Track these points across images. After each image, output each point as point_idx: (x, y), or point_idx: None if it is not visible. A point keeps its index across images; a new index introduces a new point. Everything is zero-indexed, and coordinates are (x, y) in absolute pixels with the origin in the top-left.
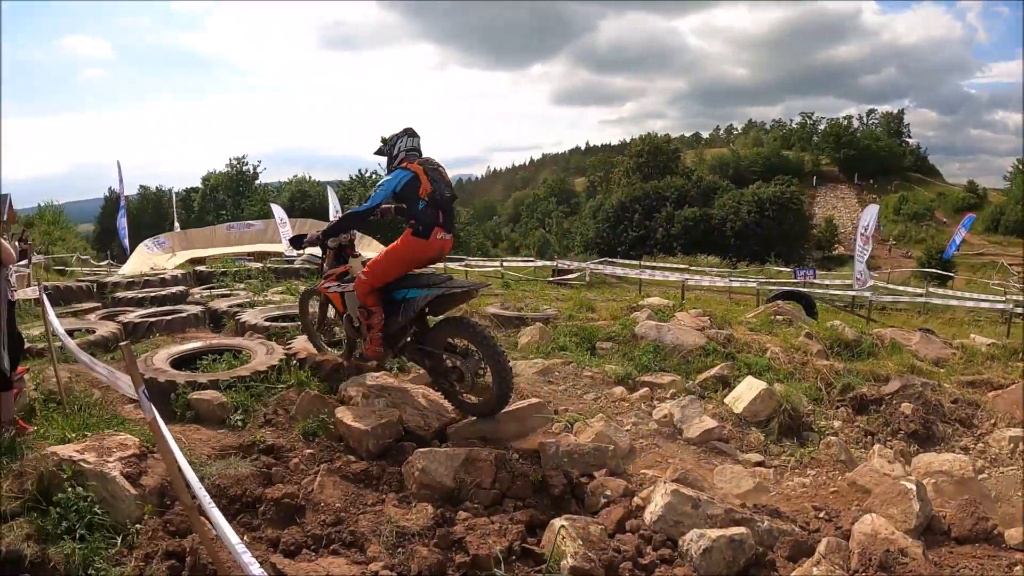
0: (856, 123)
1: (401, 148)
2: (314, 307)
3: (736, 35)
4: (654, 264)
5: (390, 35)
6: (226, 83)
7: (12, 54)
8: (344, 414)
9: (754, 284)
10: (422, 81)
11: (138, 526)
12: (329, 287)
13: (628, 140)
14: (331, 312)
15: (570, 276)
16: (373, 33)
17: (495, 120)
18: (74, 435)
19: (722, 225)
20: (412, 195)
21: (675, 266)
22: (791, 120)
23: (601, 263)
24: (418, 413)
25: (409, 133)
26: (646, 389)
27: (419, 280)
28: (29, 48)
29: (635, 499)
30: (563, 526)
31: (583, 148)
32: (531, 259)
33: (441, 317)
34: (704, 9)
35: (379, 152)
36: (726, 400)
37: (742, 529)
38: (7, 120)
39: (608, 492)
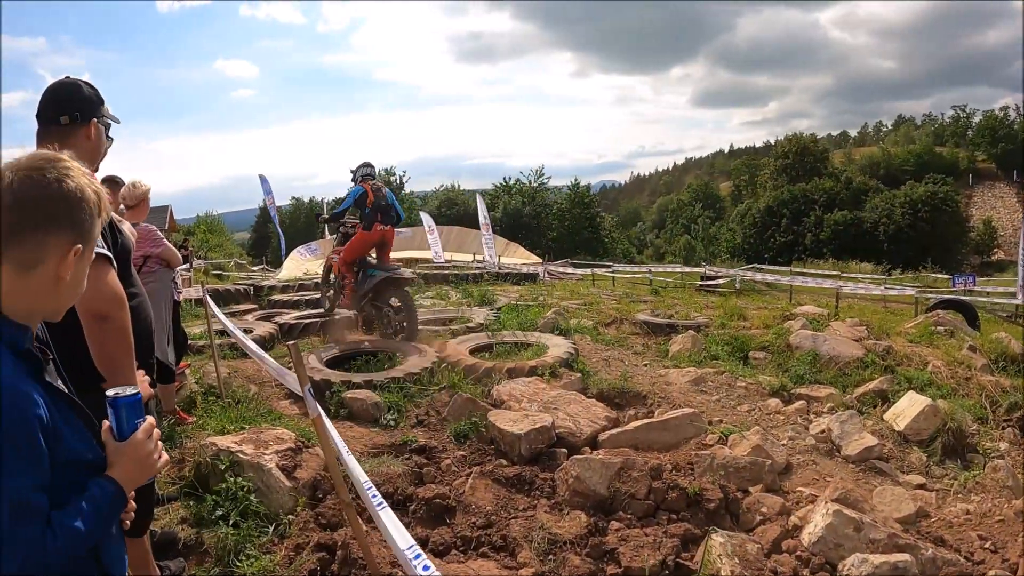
0: (1013, 114)
1: (359, 175)
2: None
3: (881, 25)
4: (804, 271)
5: (527, 45)
6: (370, 98)
7: (172, 76)
8: (497, 417)
9: (912, 292)
10: (562, 88)
11: (290, 517)
12: (332, 258)
13: (773, 141)
14: (331, 277)
15: (719, 283)
16: (510, 44)
17: (637, 125)
18: (232, 427)
19: (874, 229)
20: (362, 203)
21: (827, 273)
22: (942, 114)
23: (750, 270)
24: (570, 419)
25: (366, 165)
26: (802, 402)
27: (382, 266)
28: (186, 70)
29: (792, 518)
30: (720, 542)
31: (727, 151)
32: (678, 266)
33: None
34: None
35: (352, 179)
36: (886, 416)
37: (906, 556)
38: (169, 138)
39: (764, 509)
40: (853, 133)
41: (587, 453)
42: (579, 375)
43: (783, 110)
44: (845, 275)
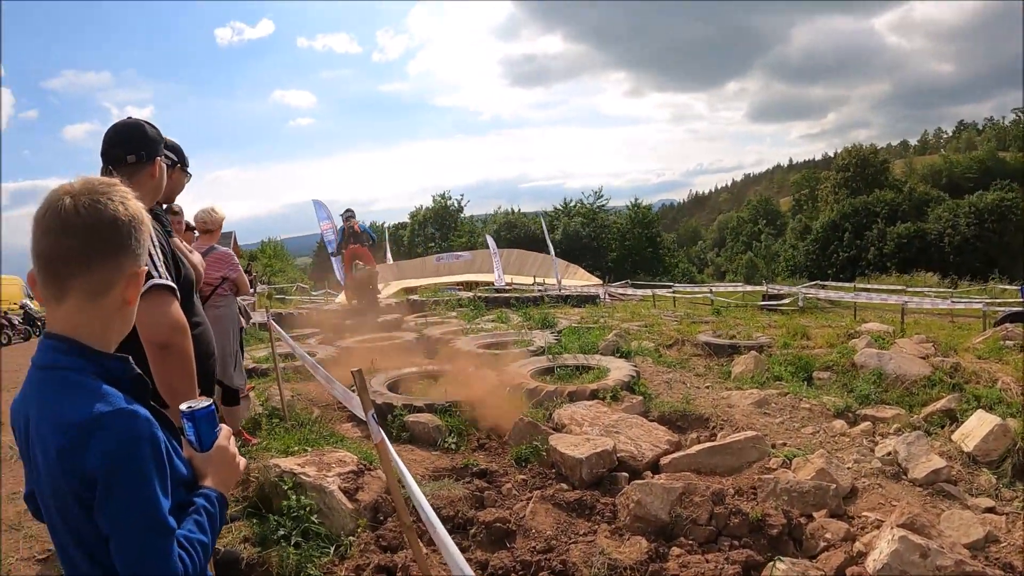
0: None
1: (344, 217)
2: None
3: (937, 27)
4: (868, 286)
5: (580, 66)
6: (427, 124)
7: (232, 107)
8: (558, 441)
9: (979, 305)
10: (618, 107)
11: (351, 538)
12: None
13: (832, 154)
14: None
15: (781, 302)
16: (564, 65)
17: (694, 143)
18: (296, 449)
19: (939, 240)
20: (346, 237)
21: (891, 288)
22: (1003, 118)
23: (812, 287)
24: (631, 442)
25: (348, 211)
26: (867, 423)
27: None
28: (246, 101)
29: (856, 544)
30: (783, 570)
31: (786, 166)
32: (739, 284)
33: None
34: (899, 3)
35: (342, 219)
36: (954, 437)
37: None
38: (232, 167)
39: (828, 535)
40: (913, 141)
41: (648, 477)
42: (640, 398)
43: (842, 120)
44: (910, 289)
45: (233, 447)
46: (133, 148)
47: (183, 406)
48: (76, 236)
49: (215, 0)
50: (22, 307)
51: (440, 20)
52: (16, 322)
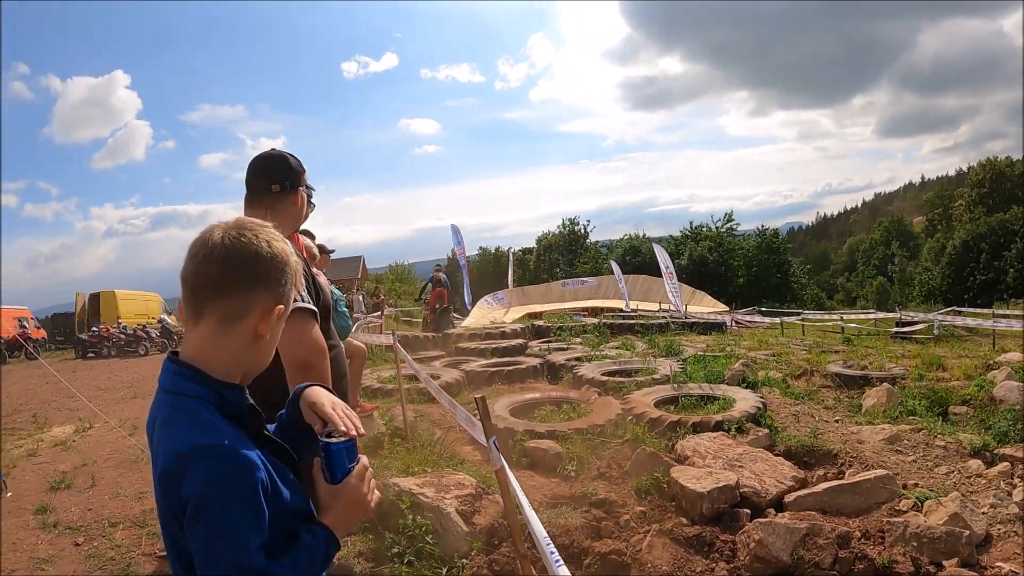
0: None
1: (436, 267)
2: None
3: None
4: (1008, 312)
5: (701, 86)
6: (551, 150)
7: (360, 136)
8: (680, 474)
9: None
10: (742, 128)
11: (464, 561)
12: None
13: (966, 168)
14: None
15: (915, 329)
16: (684, 87)
17: (822, 162)
18: (416, 469)
19: None
20: (433, 282)
21: None
22: None
23: (948, 313)
24: (755, 477)
25: (439, 265)
26: (1006, 464)
27: None
28: (374, 131)
29: None
30: None
31: (918, 183)
32: (871, 311)
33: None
34: None
35: (435, 268)
36: None
37: None
38: (360, 194)
39: None
40: None
41: (771, 515)
42: (767, 431)
43: (975, 132)
44: None
45: (367, 486)
46: (277, 178)
47: (322, 438)
48: (216, 263)
49: (341, 36)
50: (160, 321)
51: (558, 47)
52: (154, 335)
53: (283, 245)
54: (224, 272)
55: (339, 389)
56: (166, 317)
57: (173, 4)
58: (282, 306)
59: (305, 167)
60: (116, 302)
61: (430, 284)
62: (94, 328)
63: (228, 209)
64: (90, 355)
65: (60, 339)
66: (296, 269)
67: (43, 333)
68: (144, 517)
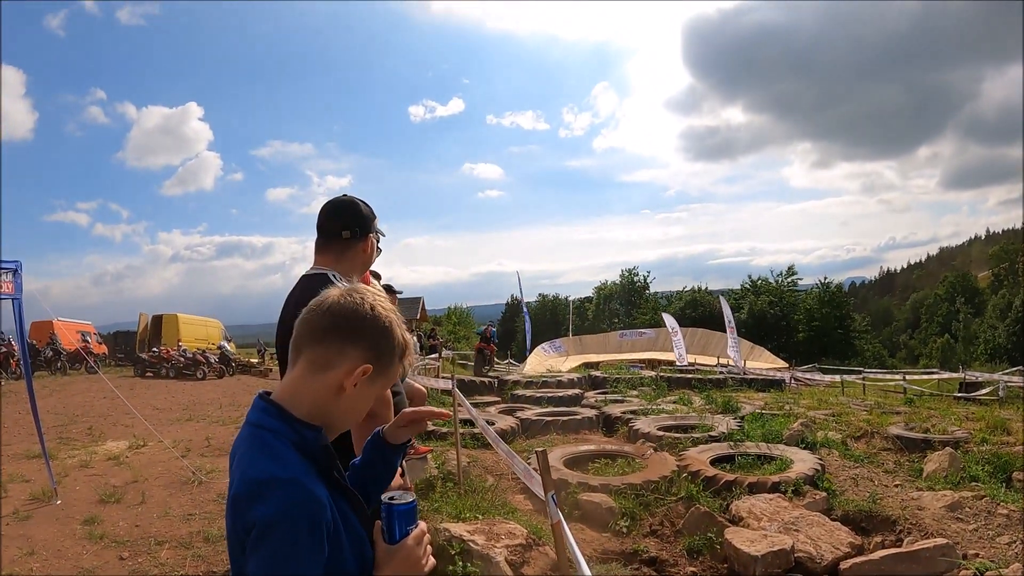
0: None
1: (488, 324)
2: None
3: None
4: None
5: (764, 137)
6: (614, 200)
7: (424, 179)
8: (734, 535)
9: None
10: (805, 179)
11: None
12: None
13: None
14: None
15: (980, 392)
16: (747, 137)
17: (886, 215)
18: (468, 515)
19: None
20: (483, 336)
21: None
22: None
23: (1014, 373)
24: (810, 542)
25: (491, 322)
26: None
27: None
28: (438, 174)
29: None
30: None
31: (984, 237)
32: (934, 371)
33: None
34: None
35: (488, 324)
36: None
37: None
38: (423, 235)
39: None
40: None
41: None
42: (824, 494)
43: None
44: None
45: (423, 549)
46: (348, 224)
47: (384, 496)
48: (321, 315)
49: (409, 80)
50: (219, 348)
51: (622, 96)
52: (213, 360)
53: (388, 312)
54: (325, 324)
55: None
56: (225, 344)
57: (248, 41)
58: (370, 366)
59: (375, 212)
60: (178, 325)
61: (481, 333)
62: (155, 349)
63: (292, 243)
64: (148, 374)
65: (120, 356)
66: (403, 345)
67: (104, 349)
68: (191, 539)
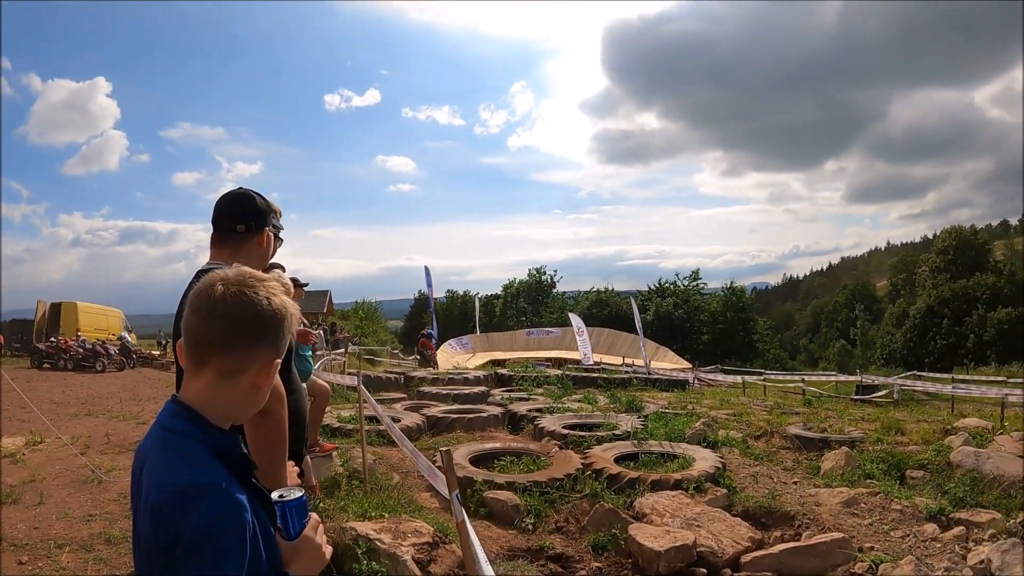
0: None
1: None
2: None
3: None
4: (967, 377)
5: (677, 145)
6: (526, 198)
7: (336, 168)
8: (637, 531)
9: None
10: (715, 187)
11: None
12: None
13: (932, 236)
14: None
15: (876, 394)
16: (662, 143)
17: (792, 224)
18: (373, 514)
19: None
20: (423, 334)
21: (991, 379)
22: None
23: (908, 377)
24: (712, 537)
25: (429, 330)
26: (961, 528)
27: None
28: (350, 164)
29: None
30: None
31: (884, 248)
32: (832, 374)
33: None
34: (1000, 73)
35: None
36: None
37: None
38: (332, 227)
39: None
40: (1014, 221)
41: (727, 575)
42: (725, 491)
43: (943, 200)
44: (1011, 381)
45: (320, 538)
46: (244, 218)
47: (274, 495)
48: (218, 320)
49: (327, 68)
50: (120, 339)
51: (539, 96)
52: (113, 352)
53: (282, 300)
54: (228, 331)
55: (295, 434)
56: (126, 335)
57: (164, 16)
58: (279, 360)
59: (276, 205)
60: (77, 314)
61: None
62: (52, 339)
63: (198, 230)
64: (46, 366)
65: (17, 346)
66: (295, 315)
67: (0, 338)
68: (91, 541)
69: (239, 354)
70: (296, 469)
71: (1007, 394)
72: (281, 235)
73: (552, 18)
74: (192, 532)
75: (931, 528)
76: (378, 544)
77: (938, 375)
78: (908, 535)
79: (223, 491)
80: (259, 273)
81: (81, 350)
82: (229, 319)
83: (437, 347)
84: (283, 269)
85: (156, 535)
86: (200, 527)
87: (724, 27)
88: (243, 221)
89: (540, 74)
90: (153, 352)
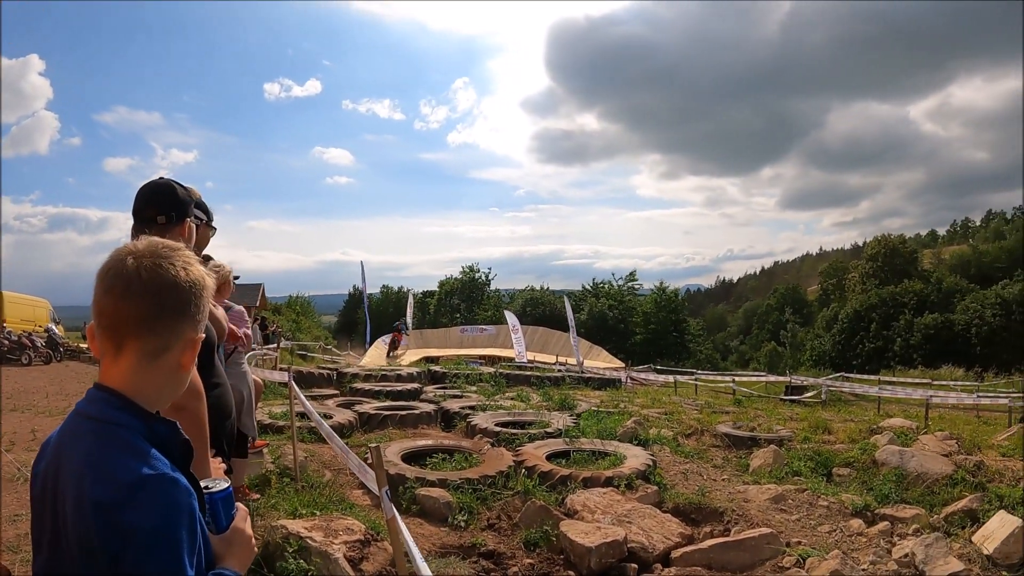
0: None
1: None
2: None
3: (975, 115)
4: (892, 379)
5: (616, 146)
6: (464, 195)
7: (273, 159)
8: (569, 528)
9: (1005, 400)
10: (652, 189)
11: None
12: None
13: (863, 243)
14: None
15: (804, 395)
16: (600, 144)
17: (727, 228)
18: (304, 511)
19: (966, 332)
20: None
21: (916, 381)
22: None
23: (836, 379)
24: (643, 533)
25: (404, 319)
26: (886, 523)
27: None
28: (287, 154)
29: None
30: None
31: (815, 254)
32: (763, 374)
33: None
34: (936, 89)
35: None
36: (974, 538)
37: None
38: (266, 218)
39: None
40: (942, 231)
41: (658, 570)
42: (656, 488)
43: (875, 209)
44: (935, 383)
45: (249, 529)
46: (164, 209)
47: (201, 485)
48: (136, 298)
49: (268, 56)
50: (47, 331)
51: (481, 93)
52: (39, 344)
53: (198, 269)
54: (147, 308)
55: (221, 431)
56: (53, 326)
57: None
58: (202, 335)
59: (196, 191)
60: (2, 305)
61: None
62: None
63: (130, 219)
64: None
65: None
66: (211, 287)
67: None
68: (19, 542)
69: (161, 332)
70: (223, 466)
71: (931, 396)
72: (214, 223)
73: (497, 15)
74: (145, 529)
75: (857, 523)
76: (309, 542)
77: (865, 377)
78: (835, 530)
79: (172, 482)
80: (170, 242)
81: (6, 342)
82: (148, 296)
83: (370, 343)
84: (210, 260)
85: (101, 535)
86: (150, 524)
87: (669, 33)
88: (164, 212)
89: (482, 71)
90: (81, 345)
